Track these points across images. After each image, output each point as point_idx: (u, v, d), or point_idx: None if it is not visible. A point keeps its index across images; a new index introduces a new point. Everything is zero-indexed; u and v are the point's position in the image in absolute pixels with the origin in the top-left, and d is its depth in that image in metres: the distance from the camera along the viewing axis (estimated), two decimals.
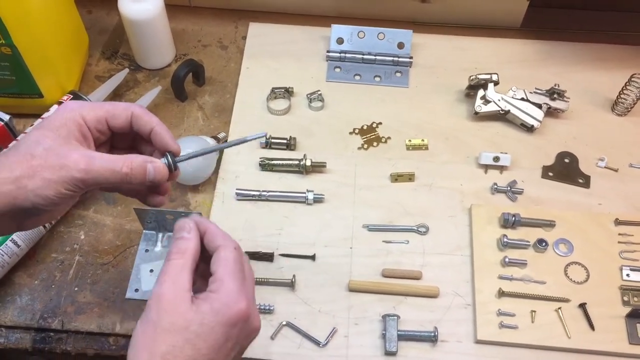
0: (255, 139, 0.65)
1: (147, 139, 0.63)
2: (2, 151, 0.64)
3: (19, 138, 0.73)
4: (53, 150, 0.57)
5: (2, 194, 0.56)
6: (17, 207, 0.57)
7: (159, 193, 0.66)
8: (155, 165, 0.61)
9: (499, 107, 0.98)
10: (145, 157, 0.60)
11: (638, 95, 0.99)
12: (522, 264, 0.86)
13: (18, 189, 0.56)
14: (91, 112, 0.61)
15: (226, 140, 0.97)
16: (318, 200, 0.91)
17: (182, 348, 0.53)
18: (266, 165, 0.94)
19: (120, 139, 0.66)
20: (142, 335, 0.54)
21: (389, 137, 0.99)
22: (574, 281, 0.85)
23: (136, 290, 0.84)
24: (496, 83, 0.99)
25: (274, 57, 1.09)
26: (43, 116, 0.91)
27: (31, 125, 0.93)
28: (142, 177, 0.60)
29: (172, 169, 0.62)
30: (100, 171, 0.58)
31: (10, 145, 0.67)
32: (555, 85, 0.98)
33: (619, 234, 0.88)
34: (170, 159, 0.62)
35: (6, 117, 0.90)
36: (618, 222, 0.89)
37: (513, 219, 0.88)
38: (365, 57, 1.07)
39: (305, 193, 0.91)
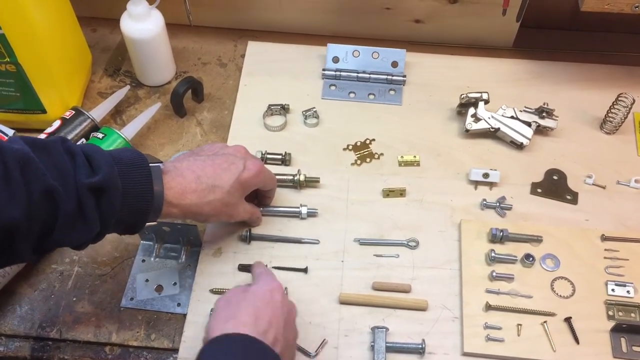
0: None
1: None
2: (200, 168, 0.80)
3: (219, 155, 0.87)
4: (236, 205, 0.84)
5: (195, 217, 0.81)
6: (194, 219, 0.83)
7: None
8: (260, 219, 0.93)
9: (489, 124, 1.01)
10: (259, 213, 0.92)
11: (625, 113, 1.01)
12: (509, 278, 0.88)
13: (203, 219, 0.83)
14: (265, 182, 0.87)
15: None
16: (312, 214, 0.94)
17: (246, 308, 0.70)
18: None
19: None
20: (216, 309, 0.73)
21: (381, 154, 1.02)
22: (560, 295, 0.86)
23: (131, 299, 0.87)
24: (486, 101, 1.01)
25: (271, 74, 1.12)
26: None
27: None
28: (247, 220, 0.91)
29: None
30: (240, 219, 0.88)
31: (212, 167, 0.82)
32: (544, 104, 1.01)
33: (605, 250, 0.90)
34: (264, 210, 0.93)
35: (10, 132, 0.93)
36: (604, 238, 0.91)
37: (501, 234, 0.90)
38: (360, 75, 1.10)
39: (299, 208, 0.93)
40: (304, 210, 0.93)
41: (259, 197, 0.93)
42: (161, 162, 0.80)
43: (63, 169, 0.67)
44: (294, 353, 0.76)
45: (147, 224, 0.75)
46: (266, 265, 0.88)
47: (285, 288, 0.86)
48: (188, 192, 0.77)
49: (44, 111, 0.98)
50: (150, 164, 0.74)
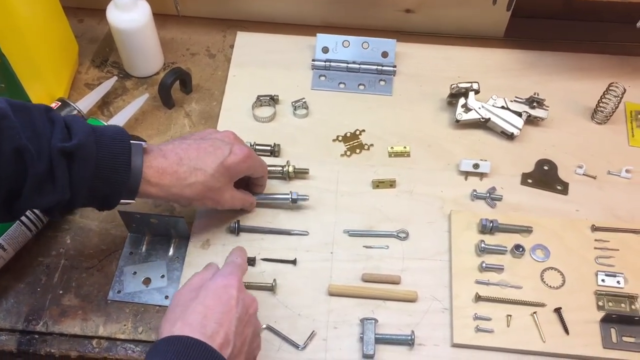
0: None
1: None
2: (183, 150, 0.80)
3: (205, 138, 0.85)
4: (221, 189, 0.82)
5: (176, 201, 0.82)
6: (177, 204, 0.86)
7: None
8: (253, 205, 0.92)
9: (480, 115, 1.00)
10: (252, 200, 0.91)
11: (616, 103, 1.00)
12: (499, 269, 0.87)
13: (186, 203, 0.82)
14: (254, 169, 0.87)
15: None
16: (302, 199, 0.92)
17: (195, 307, 0.67)
18: None
19: None
20: (168, 309, 0.70)
21: (371, 145, 1.01)
22: (550, 286, 0.86)
23: (119, 291, 0.86)
24: (477, 92, 1.01)
25: (260, 65, 1.11)
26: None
27: None
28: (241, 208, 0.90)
29: None
30: (229, 207, 0.87)
31: (194, 149, 0.80)
32: (534, 93, 1.00)
33: (595, 240, 0.90)
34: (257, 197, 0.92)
35: None
36: (594, 229, 0.91)
37: (491, 224, 0.89)
38: (349, 65, 1.09)
39: (288, 194, 0.92)
40: (293, 194, 0.91)
41: (250, 186, 0.92)
42: (145, 141, 0.79)
43: (40, 132, 0.68)
44: (256, 347, 0.74)
45: (126, 201, 0.75)
46: (254, 261, 0.88)
47: (274, 280, 0.86)
48: (168, 173, 0.77)
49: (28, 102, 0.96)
50: (133, 141, 0.74)
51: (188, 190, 0.78)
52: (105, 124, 0.95)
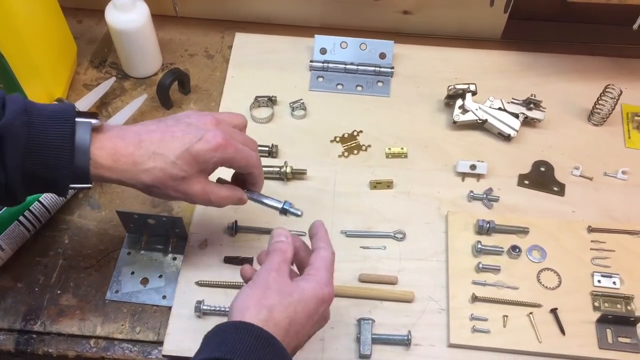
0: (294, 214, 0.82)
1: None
2: (145, 134, 0.72)
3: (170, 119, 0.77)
4: (187, 181, 0.73)
5: (134, 186, 0.72)
6: (140, 190, 0.74)
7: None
8: (243, 200, 0.80)
9: (477, 116, 1.01)
10: (239, 195, 0.79)
11: (613, 105, 1.01)
12: (495, 269, 0.88)
13: (146, 191, 0.73)
14: (231, 161, 0.75)
15: None
16: (294, 213, 0.83)
17: (285, 307, 0.65)
18: None
19: None
20: (252, 292, 0.66)
21: (369, 145, 1.01)
22: (546, 287, 0.87)
23: (116, 291, 0.86)
24: (474, 93, 1.01)
25: (258, 66, 1.11)
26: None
27: None
28: (229, 204, 0.79)
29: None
30: (208, 204, 0.77)
31: (157, 134, 0.73)
32: (531, 95, 1.01)
33: (592, 241, 0.90)
34: (248, 195, 0.81)
35: None
36: (591, 230, 0.91)
37: (487, 225, 0.90)
38: (347, 67, 1.09)
39: (280, 202, 0.84)
40: (286, 205, 0.82)
41: (244, 182, 0.81)
42: (99, 119, 0.70)
43: None
44: None
45: (82, 185, 0.70)
46: (251, 263, 0.85)
47: None
48: (122, 155, 0.70)
49: None
50: (79, 119, 0.68)
51: (145, 177, 0.71)
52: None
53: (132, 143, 0.71)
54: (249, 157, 0.76)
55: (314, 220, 0.76)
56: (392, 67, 1.09)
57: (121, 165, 0.70)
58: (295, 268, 0.75)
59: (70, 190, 0.73)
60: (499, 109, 1.01)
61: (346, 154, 1.00)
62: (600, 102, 1.02)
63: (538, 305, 0.85)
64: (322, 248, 0.72)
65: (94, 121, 0.69)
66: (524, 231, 0.90)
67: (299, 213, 0.82)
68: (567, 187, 0.97)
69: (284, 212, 0.82)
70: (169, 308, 0.85)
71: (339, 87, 1.09)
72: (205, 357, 0.60)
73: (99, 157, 0.69)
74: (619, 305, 0.85)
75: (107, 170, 0.70)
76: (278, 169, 0.95)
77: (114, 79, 1.06)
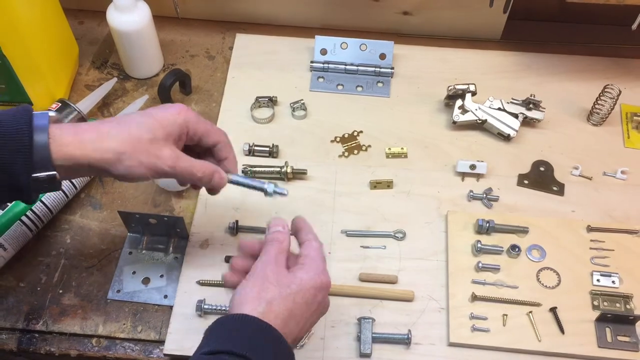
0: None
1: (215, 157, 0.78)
2: (107, 119, 0.71)
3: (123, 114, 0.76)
4: (156, 142, 0.69)
5: (103, 159, 0.67)
6: (108, 171, 0.68)
7: (211, 192, 0.79)
8: (220, 176, 0.76)
9: (477, 116, 1.01)
10: (215, 168, 0.75)
11: (612, 105, 1.01)
12: (495, 269, 0.88)
13: (117, 160, 0.68)
14: (196, 125, 0.73)
15: None
16: (280, 193, 0.81)
17: (284, 299, 0.65)
18: (249, 173, 0.97)
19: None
20: (252, 285, 0.67)
21: (369, 146, 1.02)
22: (546, 286, 0.87)
23: (118, 291, 0.87)
24: (474, 93, 1.01)
25: (259, 67, 1.11)
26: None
27: None
28: (208, 182, 0.75)
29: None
30: (180, 170, 0.71)
31: (116, 117, 0.73)
32: (531, 95, 1.01)
33: (591, 240, 0.91)
34: (230, 178, 0.78)
35: None
36: (590, 229, 0.91)
37: (487, 225, 0.90)
38: (347, 67, 1.10)
39: (264, 184, 0.81)
40: (269, 187, 0.80)
41: (216, 160, 0.78)
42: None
43: None
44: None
45: (45, 174, 0.65)
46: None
47: None
48: (85, 130, 0.67)
49: (30, 103, 0.97)
50: (36, 113, 0.66)
51: (112, 142, 0.67)
52: None
53: (92, 124, 0.70)
54: (212, 124, 0.76)
55: (294, 217, 0.76)
56: (392, 68, 1.10)
57: (84, 136, 0.67)
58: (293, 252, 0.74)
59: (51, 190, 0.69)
60: (499, 109, 1.02)
61: (346, 154, 1.01)
62: (599, 102, 1.02)
63: (537, 304, 0.85)
64: (311, 239, 0.73)
65: (51, 113, 0.67)
66: (523, 231, 0.91)
67: (285, 192, 0.81)
68: (567, 187, 0.97)
69: (269, 193, 0.80)
70: (171, 307, 0.85)
71: (340, 87, 1.09)
72: (205, 350, 0.61)
73: (59, 135, 0.66)
74: (618, 304, 0.86)
75: (71, 147, 0.66)
76: (279, 169, 0.96)
77: (115, 79, 1.07)
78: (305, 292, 0.67)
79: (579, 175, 0.99)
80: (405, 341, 0.82)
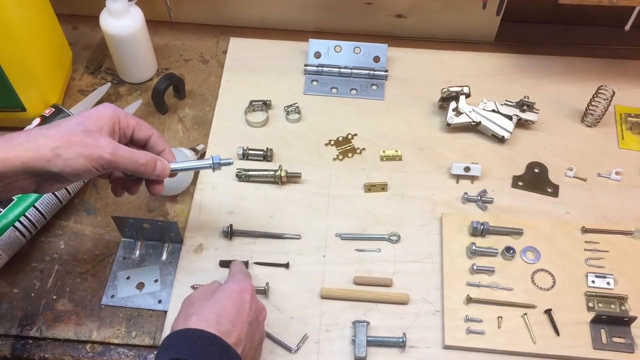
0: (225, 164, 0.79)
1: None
2: (33, 127, 0.71)
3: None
4: (90, 133, 0.69)
5: (38, 157, 0.65)
6: (47, 170, 0.66)
7: (155, 188, 0.78)
8: (162, 163, 0.75)
9: (471, 118, 1.01)
10: (157, 156, 0.75)
11: (606, 106, 1.01)
12: (490, 271, 0.88)
13: (54, 156, 0.66)
14: (126, 117, 0.74)
15: (204, 153, 1.00)
16: (225, 163, 0.79)
17: (211, 305, 0.69)
18: (243, 177, 0.97)
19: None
20: (179, 314, 0.71)
21: (363, 148, 1.02)
22: (541, 288, 0.87)
23: (112, 296, 0.86)
24: (467, 95, 1.02)
25: (253, 71, 1.11)
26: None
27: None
28: (152, 170, 0.74)
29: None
30: (122, 158, 0.70)
31: (45, 125, 0.71)
32: (525, 97, 1.01)
33: (586, 242, 0.91)
34: (174, 166, 0.77)
35: None
36: (585, 230, 0.91)
37: (482, 227, 0.90)
38: (341, 70, 1.10)
39: (209, 160, 0.80)
40: (214, 159, 0.79)
41: (155, 152, 0.77)
42: None
43: None
44: (259, 354, 0.75)
45: None
46: (246, 265, 0.88)
47: (267, 283, 0.86)
48: (14, 136, 0.66)
49: (23, 109, 0.97)
50: None
51: (45, 140, 0.66)
52: None
53: (22, 131, 0.69)
54: (139, 119, 0.77)
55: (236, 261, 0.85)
56: (386, 71, 1.10)
57: (14, 140, 0.66)
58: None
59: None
60: (493, 111, 1.02)
61: (341, 157, 1.01)
62: (593, 103, 1.02)
63: (532, 306, 0.85)
64: (237, 263, 0.83)
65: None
66: (518, 232, 0.91)
67: (231, 161, 0.80)
68: (561, 188, 0.97)
69: (215, 164, 0.79)
70: (165, 312, 0.85)
71: (334, 90, 1.09)
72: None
73: None
74: (613, 306, 0.86)
75: (1, 150, 0.65)
76: (273, 173, 0.96)
77: (109, 84, 1.07)
78: (229, 295, 0.71)
79: (574, 177, 0.99)
80: (400, 344, 0.82)
